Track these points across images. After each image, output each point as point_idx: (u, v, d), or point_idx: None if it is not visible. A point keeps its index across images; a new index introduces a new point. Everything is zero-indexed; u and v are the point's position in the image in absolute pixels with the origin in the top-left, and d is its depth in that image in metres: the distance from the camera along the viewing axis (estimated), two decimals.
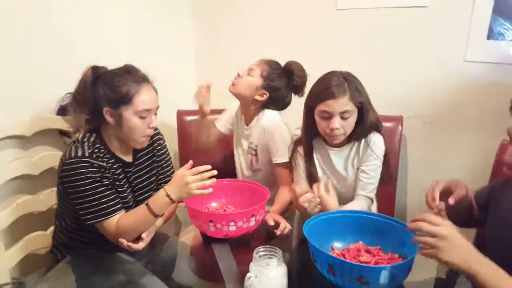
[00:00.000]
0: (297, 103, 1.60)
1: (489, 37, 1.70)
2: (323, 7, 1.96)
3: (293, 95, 1.66)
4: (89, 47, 1.68)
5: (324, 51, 2.01)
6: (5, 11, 1.38)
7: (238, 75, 1.62)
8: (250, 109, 1.66)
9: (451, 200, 1.04)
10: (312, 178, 1.44)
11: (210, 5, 2.24)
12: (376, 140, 1.37)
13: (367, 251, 1.09)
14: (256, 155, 1.68)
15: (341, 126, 1.29)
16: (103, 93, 1.21)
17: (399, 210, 1.95)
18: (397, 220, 1.11)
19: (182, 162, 2.05)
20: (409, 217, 1.98)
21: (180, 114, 2.08)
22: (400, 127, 1.82)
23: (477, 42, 1.72)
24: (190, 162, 1.19)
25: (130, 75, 1.22)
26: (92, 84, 1.22)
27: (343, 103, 1.26)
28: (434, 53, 1.80)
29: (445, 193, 1.07)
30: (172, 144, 1.89)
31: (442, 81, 1.81)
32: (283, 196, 1.54)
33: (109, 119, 1.22)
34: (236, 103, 1.76)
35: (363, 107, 1.31)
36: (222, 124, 1.83)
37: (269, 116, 1.63)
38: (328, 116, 1.29)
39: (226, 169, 1.81)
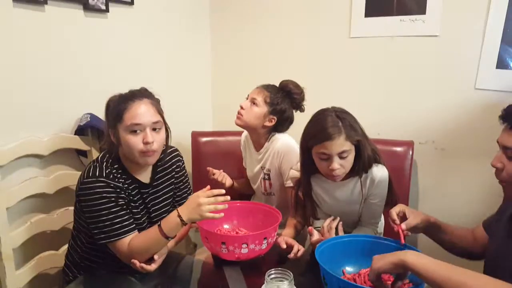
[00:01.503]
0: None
1: (498, 66, 1.73)
2: (337, 34, 2.01)
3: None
4: (109, 69, 1.74)
5: (337, 77, 2.05)
6: (29, 30, 1.44)
7: (242, 108, 1.63)
8: (260, 135, 1.68)
9: (403, 226, 1.14)
10: (313, 216, 1.46)
11: (227, 30, 2.31)
12: (381, 174, 1.36)
13: None
14: (269, 179, 1.70)
15: (341, 166, 1.28)
16: (108, 116, 1.27)
17: (410, 236, 1.91)
18: (409, 245, 1.11)
19: (195, 184, 2.07)
20: (419, 241, 1.97)
21: (195, 135, 2.10)
22: (411, 152, 1.82)
23: (486, 70, 1.75)
24: (208, 187, 1.20)
25: (129, 95, 1.25)
26: (106, 110, 1.28)
27: (340, 144, 1.25)
28: (445, 81, 1.83)
29: (403, 217, 1.18)
30: (186, 165, 1.91)
31: (453, 108, 1.83)
32: (295, 220, 1.52)
33: (113, 139, 1.25)
34: (244, 133, 1.81)
35: (360, 144, 1.30)
36: (245, 161, 1.87)
37: (282, 140, 1.64)
38: (327, 158, 1.28)
39: (242, 193, 1.85)
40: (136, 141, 1.21)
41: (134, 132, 1.21)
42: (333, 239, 1.18)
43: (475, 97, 1.78)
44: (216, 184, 1.66)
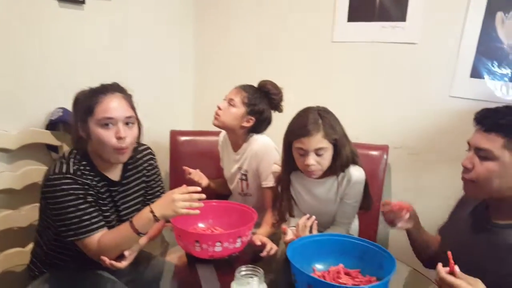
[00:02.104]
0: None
1: (472, 75, 1.78)
2: (320, 38, 2.04)
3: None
4: (83, 63, 1.70)
5: (318, 80, 2.08)
6: None
7: (219, 108, 1.63)
8: (238, 136, 1.68)
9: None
10: (289, 213, 1.47)
11: (211, 27, 2.31)
12: (357, 175, 1.39)
13: (347, 274, 1.11)
14: (246, 180, 1.69)
15: (317, 162, 1.31)
16: (76, 110, 1.23)
17: (382, 235, 1.95)
18: (377, 245, 1.14)
19: (173, 183, 2.05)
20: (391, 242, 2.00)
21: (174, 134, 2.08)
22: (385, 156, 1.86)
23: (461, 79, 1.80)
24: (184, 186, 1.18)
25: (101, 88, 1.21)
26: (74, 104, 1.24)
27: (317, 141, 1.29)
28: (421, 88, 1.87)
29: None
30: (164, 164, 1.89)
31: (428, 115, 1.87)
32: (271, 218, 1.53)
33: (82, 133, 1.21)
34: (222, 133, 1.80)
35: (338, 144, 1.33)
36: (222, 162, 1.85)
37: (260, 141, 1.65)
38: (304, 153, 1.32)
39: (219, 193, 1.84)
40: (108, 136, 1.17)
41: (106, 126, 1.17)
42: (305, 237, 1.19)
43: (450, 105, 1.82)
44: (192, 184, 1.63)
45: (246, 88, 1.64)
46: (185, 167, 1.70)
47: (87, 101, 1.19)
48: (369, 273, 1.11)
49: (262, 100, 1.63)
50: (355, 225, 1.55)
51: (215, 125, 1.66)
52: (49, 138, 1.56)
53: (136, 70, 1.98)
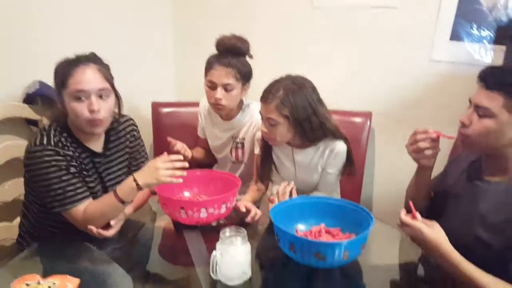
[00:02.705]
0: None
1: (452, 38, 1.79)
2: (301, 4, 2.01)
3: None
4: (60, 36, 1.66)
5: (299, 48, 2.05)
6: None
7: (219, 99, 1.55)
8: (234, 107, 1.64)
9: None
10: (266, 177, 1.51)
11: None
12: (340, 147, 1.41)
13: (328, 232, 1.16)
14: (242, 148, 1.69)
15: (269, 131, 1.36)
16: (55, 83, 1.20)
17: (365, 200, 2.01)
18: (356, 204, 1.18)
19: (157, 154, 2.03)
20: (374, 206, 2.06)
21: (155, 106, 2.05)
22: (368, 123, 1.88)
23: (441, 42, 1.81)
24: (165, 153, 1.19)
25: (74, 60, 1.18)
26: (54, 76, 1.21)
27: (268, 110, 1.32)
28: (402, 52, 1.88)
29: None
30: (147, 136, 1.88)
31: (410, 79, 1.88)
32: (257, 185, 1.55)
33: (60, 107, 1.20)
34: (204, 99, 1.74)
35: (292, 119, 1.32)
36: (200, 131, 1.84)
37: (258, 109, 1.59)
38: (262, 117, 1.37)
39: (201, 163, 1.84)
40: (81, 109, 1.15)
41: (78, 99, 1.15)
42: (288, 201, 1.23)
43: (430, 68, 1.84)
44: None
45: (227, 63, 1.54)
46: (169, 139, 1.69)
47: (62, 73, 1.17)
48: (349, 230, 1.15)
49: (242, 59, 1.57)
50: (337, 195, 1.59)
51: (220, 114, 1.65)
52: (27, 112, 1.53)
53: (115, 40, 1.94)
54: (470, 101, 1.09)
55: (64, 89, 1.16)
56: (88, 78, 1.16)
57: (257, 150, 1.59)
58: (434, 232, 1.00)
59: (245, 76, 1.58)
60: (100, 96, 1.18)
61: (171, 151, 1.64)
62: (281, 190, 1.31)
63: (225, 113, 1.66)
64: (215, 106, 1.59)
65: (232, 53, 1.54)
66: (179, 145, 1.67)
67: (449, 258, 0.98)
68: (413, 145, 1.16)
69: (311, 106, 1.34)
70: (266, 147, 1.49)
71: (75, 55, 1.20)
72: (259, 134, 1.55)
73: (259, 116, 1.55)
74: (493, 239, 1.01)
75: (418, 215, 1.04)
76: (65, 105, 1.18)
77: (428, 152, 1.15)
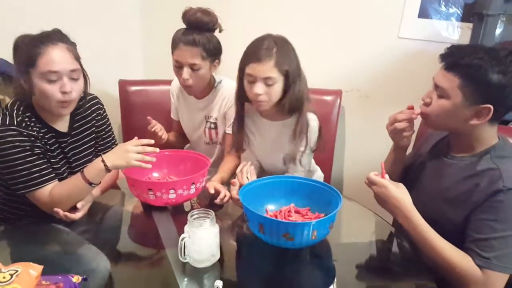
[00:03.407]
0: None
1: (420, 15, 1.81)
2: None
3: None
4: (22, 12, 1.58)
5: (267, 25, 1.99)
6: None
7: (186, 79, 1.49)
8: (205, 85, 1.59)
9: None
10: (239, 145, 1.47)
11: None
12: (314, 125, 1.39)
13: (297, 212, 1.18)
14: (216, 128, 1.66)
15: (265, 93, 1.28)
16: (17, 60, 1.15)
17: (336, 177, 2.04)
18: (325, 184, 1.20)
19: (126, 136, 2.00)
20: (345, 183, 2.10)
21: (123, 84, 1.99)
22: (339, 101, 1.90)
23: (409, 20, 1.82)
24: (136, 138, 1.17)
25: (42, 37, 1.13)
26: (13, 55, 1.16)
27: (267, 68, 1.24)
28: (370, 30, 1.88)
29: None
30: (115, 116, 1.83)
31: (378, 57, 1.90)
32: (227, 164, 1.54)
33: (24, 85, 1.15)
34: (174, 81, 1.71)
35: (289, 76, 1.28)
36: (173, 112, 1.79)
37: (230, 86, 1.56)
38: (253, 81, 1.27)
39: (173, 146, 1.81)
40: (53, 90, 1.12)
41: (50, 80, 1.12)
42: (257, 180, 1.23)
43: (398, 46, 1.85)
44: (153, 137, 1.49)
45: (191, 41, 1.45)
46: (149, 118, 1.60)
47: (28, 50, 1.12)
48: (318, 210, 1.17)
49: (206, 34, 1.48)
50: (319, 173, 1.59)
51: (190, 94, 1.60)
52: None
53: (79, 15, 1.85)
54: (433, 79, 1.10)
55: (32, 68, 1.11)
56: (59, 58, 1.12)
57: (228, 130, 1.58)
58: (399, 192, 1.05)
59: (213, 52, 1.51)
60: (71, 77, 1.15)
61: (148, 131, 1.60)
62: (238, 172, 1.30)
63: (195, 93, 1.62)
64: (183, 85, 1.55)
65: (198, 28, 1.47)
66: (158, 127, 1.61)
67: (410, 218, 1.03)
68: (392, 125, 1.19)
69: (298, 66, 1.31)
70: (238, 114, 1.45)
71: (41, 32, 1.14)
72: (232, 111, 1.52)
73: (230, 93, 1.54)
74: (454, 213, 1.05)
75: (386, 175, 1.09)
76: (31, 84, 1.13)
77: (406, 133, 1.19)
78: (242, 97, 1.40)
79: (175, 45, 1.50)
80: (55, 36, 1.15)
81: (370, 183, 1.10)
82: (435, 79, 1.06)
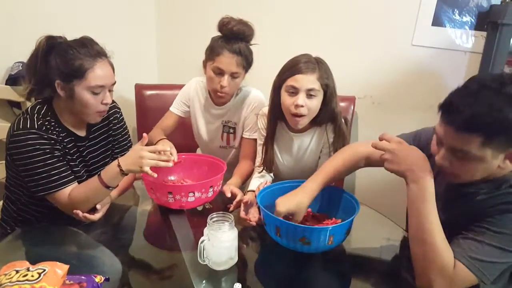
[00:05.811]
0: None
1: (434, 23, 1.82)
2: None
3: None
4: (43, 16, 1.61)
5: (283, 33, 2.03)
6: None
7: (222, 86, 1.50)
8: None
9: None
10: (269, 162, 1.46)
11: None
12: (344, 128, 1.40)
13: (314, 217, 1.19)
14: (234, 132, 1.67)
15: (306, 105, 1.28)
16: (55, 65, 1.16)
17: (348, 182, 2.07)
18: (342, 189, 1.21)
19: (140, 138, 2.01)
20: (357, 189, 2.11)
21: (139, 88, 2.03)
22: (352, 107, 1.92)
23: (423, 28, 1.84)
24: (145, 135, 1.19)
25: (86, 49, 1.17)
26: (45, 54, 1.17)
27: (310, 80, 1.27)
28: (384, 37, 1.90)
29: None
30: (130, 119, 1.85)
31: (391, 64, 1.92)
32: (243, 168, 1.55)
33: (60, 92, 1.18)
34: (194, 82, 1.70)
35: (328, 91, 1.31)
36: (179, 108, 1.75)
37: (254, 93, 1.62)
38: (295, 92, 1.28)
39: (186, 146, 1.83)
40: (96, 102, 1.20)
41: (95, 93, 1.18)
42: (275, 184, 1.25)
43: (412, 53, 1.87)
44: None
45: (237, 51, 1.46)
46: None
47: (77, 62, 1.14)
48: (335, 216, 1.18)
49: (249, 47, 1.51)
50: None
51: (219, 101, 1.61)
52: (10, 93, 1.50)
53: (96, 20, 1.89)
54: (436, 134, 0.94)
55: (79, 80, 1.16)
56: (106, 73, 1.19)
57: (247, 135, 1.59)
58: (415, 148, 0.98)
59: (250, 63, 1.54)
60: (110, 89, 1.23)
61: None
62: (243, 199, 1.29)
63: (225, 101, 1.62)
64: (217, 92, 1.54)
65: (239, 39, 1.48)
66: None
67: (421, 179, 0.94)
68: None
69: (334, 84, 1.34)
70: (271, 131, 1.44)
71: (88, 43, 1.18)
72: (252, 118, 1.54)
73: (256, 100, 1.57)
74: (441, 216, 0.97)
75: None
76: (73, 94, 1.17)
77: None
78: (276, 114, 1.40)
79: (218, 52, 1.47)
80: (103, 51, 1.21)
81: (381, 140, 1.01)
82: (447, 142, 0.90)
